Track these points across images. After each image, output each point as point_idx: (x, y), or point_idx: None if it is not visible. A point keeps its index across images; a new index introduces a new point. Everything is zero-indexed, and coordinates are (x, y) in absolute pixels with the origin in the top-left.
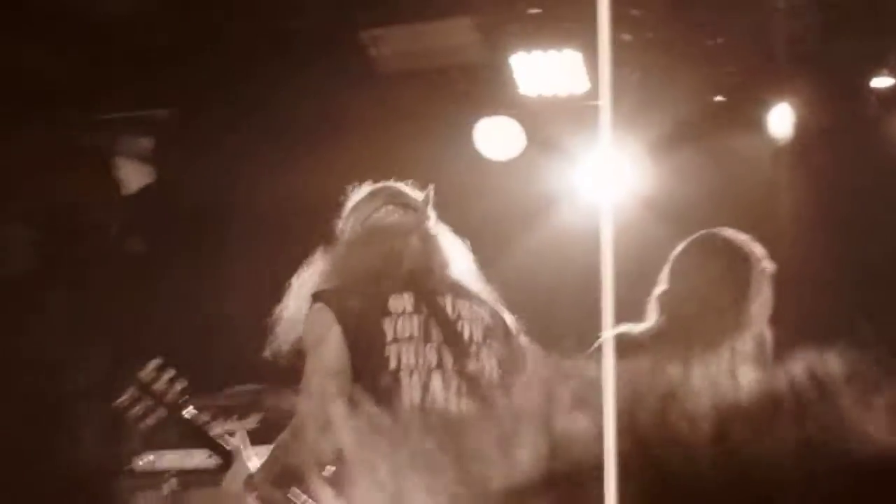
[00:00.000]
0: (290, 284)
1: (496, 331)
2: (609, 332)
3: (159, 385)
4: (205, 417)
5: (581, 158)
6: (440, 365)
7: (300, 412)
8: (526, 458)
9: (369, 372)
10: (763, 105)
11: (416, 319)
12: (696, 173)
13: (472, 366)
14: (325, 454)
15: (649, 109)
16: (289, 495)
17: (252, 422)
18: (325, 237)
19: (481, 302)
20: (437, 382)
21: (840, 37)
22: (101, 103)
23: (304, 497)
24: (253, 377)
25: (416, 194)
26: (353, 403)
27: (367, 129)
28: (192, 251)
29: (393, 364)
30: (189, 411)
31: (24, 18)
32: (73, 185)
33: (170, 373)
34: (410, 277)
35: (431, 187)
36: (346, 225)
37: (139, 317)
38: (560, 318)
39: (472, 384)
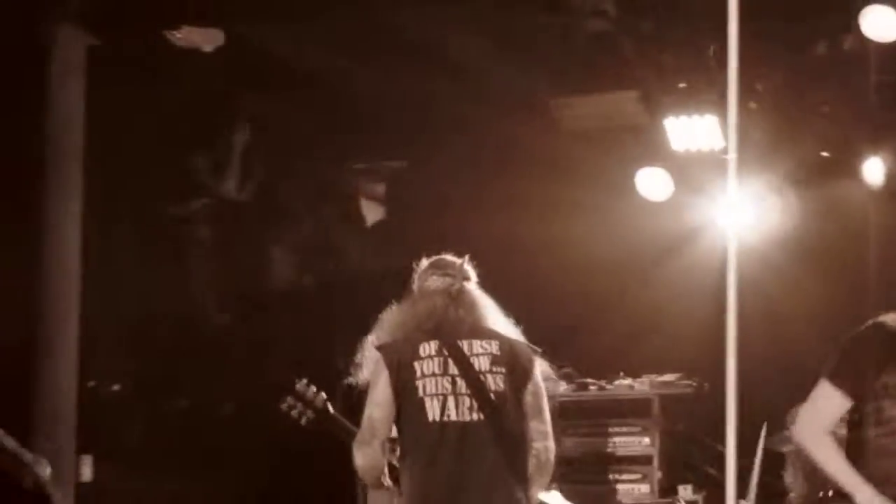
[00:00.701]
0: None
1: (503, 357)
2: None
3: (308, 394)
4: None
5: (717, 199)
6: (453, 391)
7: (361, 423)
8: None
9: (406, 399)
10: (861, 157)
11: (437, 360)
12: (805, 213)
13: (480, 388)
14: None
15: (769, 161)
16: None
17: None
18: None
19: (493, 337)
20: (451, 403)
21: None
22: (349, 155)
23: None
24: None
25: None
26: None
27: (551, 175)
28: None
29: (420, 393)
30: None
31: (291, 87)
32: (327, 218)
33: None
34: (436, 329)
35: (466, 258)
36: (412, 289)
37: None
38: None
39: (481, 400)
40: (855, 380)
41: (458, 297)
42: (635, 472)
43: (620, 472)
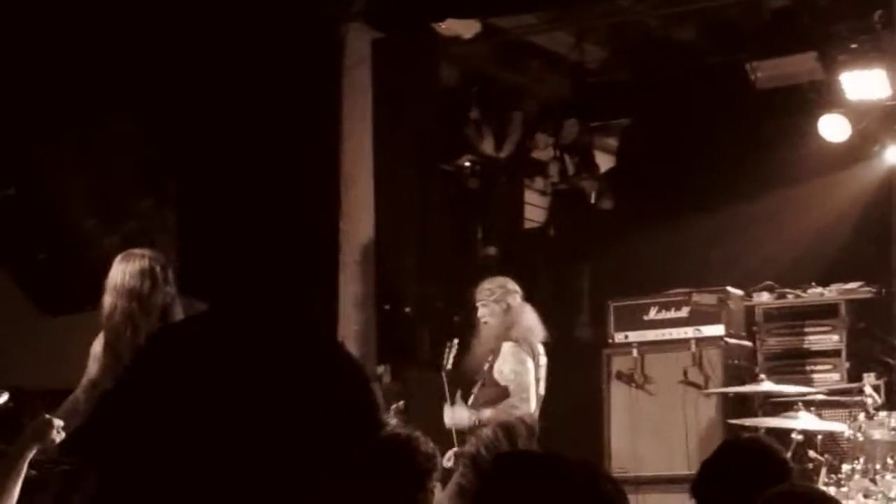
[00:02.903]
0: None
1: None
2: None
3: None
4: None
5: (886, 140)
6: None
7: None
8: None
9: None
10: None
11: None
12: None
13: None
14: None
15: None
16: None
17: None
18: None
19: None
20: None
21: None
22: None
23: None
24: None
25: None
26: None
27: (748, 125)
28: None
29: None
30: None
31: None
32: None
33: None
34: None
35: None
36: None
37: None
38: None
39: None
40: None
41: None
42: (827, 364)
43: (815, 364)
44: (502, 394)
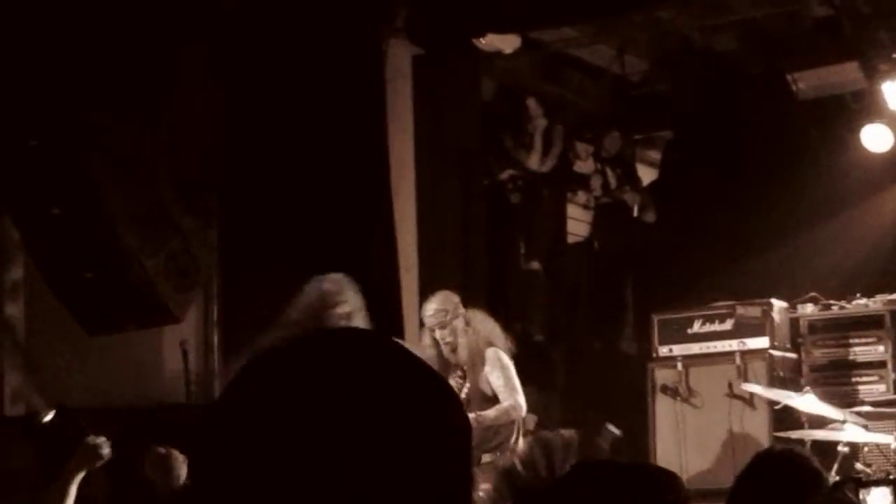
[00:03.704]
0: None
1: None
2: None
3: None
4: None
5: None
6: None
7: None
8: None
9: None
10: None
11: None
12: None
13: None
14: None
15: None
16: None
17: None
18: None
19: None
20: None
21: None
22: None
23: None
24: None
25: None
26: None
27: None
28: None
29: None
30: None
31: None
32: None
33: None
34: None
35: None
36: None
37: None
38: None
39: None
40: None
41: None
42: (873, 375)
43: (860, 376)
44: (493, 399)
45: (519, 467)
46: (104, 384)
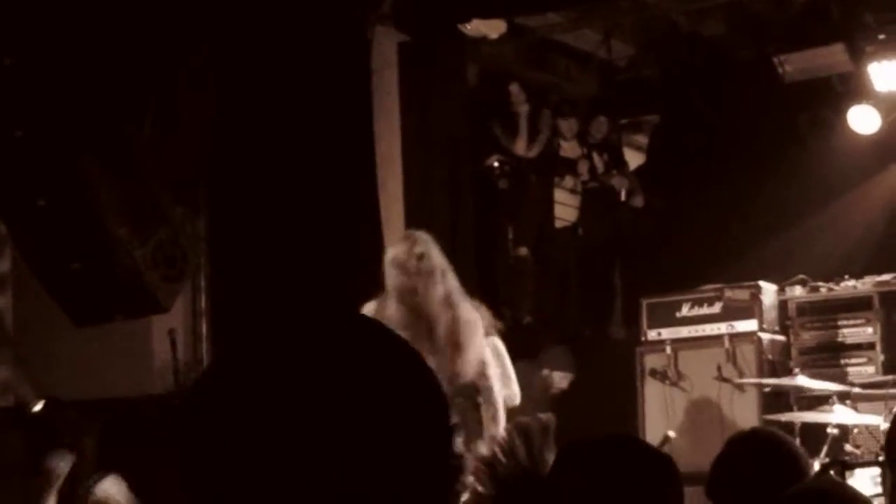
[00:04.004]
0: None
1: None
2: None
3: None
4: None
5: None
6: None
7: None
8: None
9: None
10: None
11: None
12: None
13: None
14: None
15: None
16: None
17: None
18: None
19: None
20: None
21: None
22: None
23: None
24: None
25: None
26: None
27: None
28: None
29: None
30: None
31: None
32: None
33: None
34: None
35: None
36: None
37: None
38: None
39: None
40: None
41: None
42: (862, 357)
43: (850, 357)
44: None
45: (500, 455)
46: (93, 374)
